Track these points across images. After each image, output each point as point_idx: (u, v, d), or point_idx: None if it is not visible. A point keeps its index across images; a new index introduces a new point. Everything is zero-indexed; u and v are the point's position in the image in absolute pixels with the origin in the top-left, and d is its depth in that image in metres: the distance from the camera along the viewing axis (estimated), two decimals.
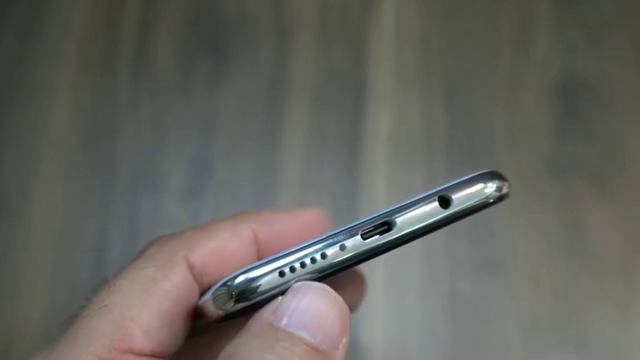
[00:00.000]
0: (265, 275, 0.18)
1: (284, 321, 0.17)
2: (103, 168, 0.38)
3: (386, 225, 0.18)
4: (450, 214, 0.19)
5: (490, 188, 0.19)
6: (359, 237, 0.18)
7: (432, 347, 0.34)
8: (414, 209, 0.19)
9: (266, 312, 0.18)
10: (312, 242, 0.18)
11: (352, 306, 0.28)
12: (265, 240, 0.22)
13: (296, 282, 0.18)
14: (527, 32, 0.40)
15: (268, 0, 0.41)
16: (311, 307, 0.17)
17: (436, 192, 0.19)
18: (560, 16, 0.40)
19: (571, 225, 0.36)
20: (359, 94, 0.39)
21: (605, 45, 0.40)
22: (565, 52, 0.40)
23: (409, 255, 0.36)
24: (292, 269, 0.18)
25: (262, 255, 0.22)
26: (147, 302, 0.19)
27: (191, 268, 0.21)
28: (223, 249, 0.21)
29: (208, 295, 0.18)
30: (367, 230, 0.18)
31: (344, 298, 0.27)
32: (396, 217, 0.18)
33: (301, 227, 0.23)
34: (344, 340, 0.18)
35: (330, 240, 0.18)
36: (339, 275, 0.25)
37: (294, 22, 0.40)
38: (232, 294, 0.18)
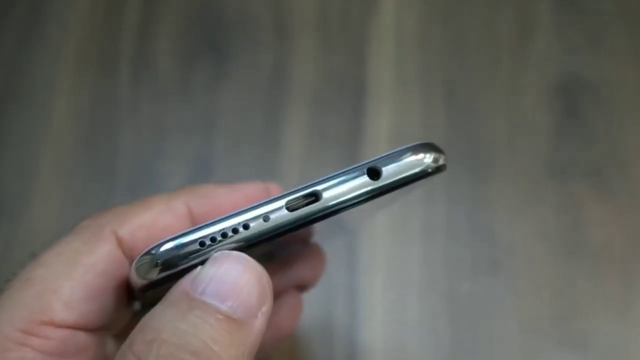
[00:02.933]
0: (186, 244, 0.17)
1: (199, 289, 0.17)
2: (103, 168, 0.38)
3: (313, 197, 0.18)
4: (379, 186, 0.18)
5: (427, 159, 0.18)
6: (284, 208, 0.18)
7: (432, 347, 0.34)
8: (342, 180, 0.18)
9: (184, 281, 0.17)
10: (237, 212, 0.18)
11: (310, 281, 0.27)
12: (200, 215, 0.22)
13: (216, 251, 0.18)
14: (527, 32, 0.40)
15: (268, 0, 0.41)
16: (227, 276, 0.17)
17: (366, 163, 0.18)
18: (560, 16, 0.40)
19: (571, 225, 0.36)
20: (359, 94, 0.39)
21: (605, 45, 0.40)
22: (565, 53, 0.40)
23: (408, 255, 0.36)
24: (213, 239, 0.18)
25: None
26: (69, 274, 0.19)
27: (120, 242, 0.20)
28: (154, 223, 0.21)
29: (133, 264, 0.18)
30: (293, 201, 0.18)
31: (301, 273, 0.27)
32: (323, 188, 0.18)
33: (241, 201, 0.22)
34: (264, 308, 0.17)
35: (255, 211, 0.18)
36: (294, 250, 0.24)
37: (294, 22, 0.40)
38: (155, 263, 0.18)
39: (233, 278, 0.17)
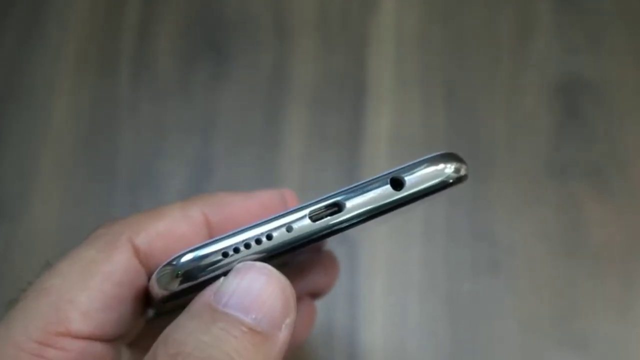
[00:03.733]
0: (208, 255, 0.17)
1: (223, 301, 0.17)
2: (103, 168, 0.38)
3: (336, 207, 0.18)
4: (402, 196, 0.18)
5: (448, 169, 0.18)
6: (307, 218, 0.18)
7: (432, 348, 0.34)
8: (365, 191, 0.18)
9: (207, 293, 0.17)
10: (260, 222, 0.18)
11: (324, 288, 0.27)
12: (217, 223, 0.21)
13: (239, 262, 0.17)
14: (527, 32, 0.40)
15: (268, 0, 0.41)
16: (251, 287, 0.17)
17: (389, 173, 0.18)
18: (560, 16, 0.40)
19: (571, 225, 0.36)
20: (359, 94, 0.39)
21: (605, 45, 0.40)
22: (565, 52, 0.40)
23: (408, 256, 0.36)
24: (236, 250, 0.17)
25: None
26: (86, 284, 0.19)
27: (136, 251, 0.20)
28: (170, 232, 0.21)
29: (153, 275, 0.18)
30: (315, 211, 0.18)
31: (315, 281, 0.26)
32: (346, 199, 0.18)
33: (257, 209, 0.22)
34: (287, 320, 0.17)
35: (278, 221, 0.18)
36: (308, 258, 0.24)
37: (294, 22, 0.40)
38: (176, 274, 0.17)
39: (257, 290, 0.17)
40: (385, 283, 0.35)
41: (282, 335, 0.17)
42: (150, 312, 0.23)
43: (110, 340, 0.20)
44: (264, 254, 0.18)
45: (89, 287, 0.19)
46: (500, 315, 0.35)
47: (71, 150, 0.38)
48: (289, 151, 0.38)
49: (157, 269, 0.18)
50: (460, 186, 0.18)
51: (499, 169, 0.38)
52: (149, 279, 0.20)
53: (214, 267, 0.17)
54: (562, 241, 0.36)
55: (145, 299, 0.21)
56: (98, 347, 0.19)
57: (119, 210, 0.37)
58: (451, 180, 0.18)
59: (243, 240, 0.17)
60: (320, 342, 0.34)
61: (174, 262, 0.18)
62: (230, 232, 0.18)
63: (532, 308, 0.35)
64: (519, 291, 0.35)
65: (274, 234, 0.17)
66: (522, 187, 0.37)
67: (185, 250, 0.18)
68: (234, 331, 0.16)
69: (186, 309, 0.17)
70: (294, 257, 0.21)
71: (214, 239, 0.18)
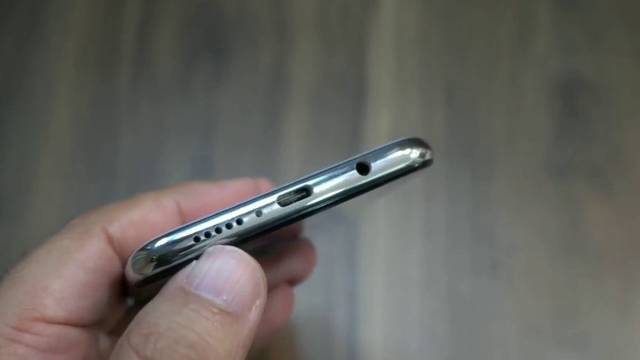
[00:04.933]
0: (181, 240, 0.18)
1: (195, 284, 0.17)
2: (103, 168, 0.38)
3: (304, 192, 0.18)
4: (368, 180, 0.19)
5: (414, 154, 0.19)
6: (275, 203, 0.18)
7: (432, 347, 0.34)
8: (332, 175, 0.19)
9: (179, 276, 0.18)
10: (230, 207, 0.18)
11: (302, 275, 0.28)
12: (189, 211, 0.22)
13: (210, 247, 0.18)
14: (527, 32, 0.40)
15: (268, 0, 0.41)
16: (222, 270, 0.17)
17: (355, 158, 0.19)
18: (560, 16, 0.40)
19: (571, 225, 0.36)
20: (359, 94, 0.39)
21: (605, 45, 0.40)
22: (565, 52, 0.40)
23: (408, 256, 0.36)
24: (208, 234, 0.18)
25: None
26: (60, 271, 0.20)
27: (110, 239, 0.21)
28: (143, 220, 0.21)
29: (128, 260, 0.19)
30: (284, 196, 0.18)
31: (292, 268, 0.27)
32: (314, 183, 0.18)
33: (230, 198, 0.22)
34: (257, 302, 0.18)
35: (248, 206, 0.18)
36: (285, 245, 0.25)
37: (294, 22, 0.40)
38: (150, 258, 0.18)
39: (227, 272, 0.17)
40: (385, 282, 0.35)
41: (252, 316, 0.18)
42: (130, 302, 0.23)
43: (85, 326, 0.20)
44: (235, 238, 0.18)
45: (63, 274, 0.20)
46: (500, 315, 0.35)
47: (71, 150, 0.38)
48: (289, 151, 0.38)
49: (132, 254, 0.18)
50: (426, 170, 0.19)
51: (499, 169, 0.38)
52: (124, 266, 0.20)
53: (186, 251, 0.18)
54: (562, 241, 0.36)
55: (122, 286, 0.21)
56: (73, 332, 0.20)
57: None
58: (416, 165, 0.19)
59: (214, 225, 0.18)
60: (320, 341, 0.34)
61: (148, 247, 0.18)
62: (202, 218, 0.18)
63: (532, 308, 0.35)
64: (519, 291, 0.35)
65: (244, 219, 0.18)
66: (522, 187, 0.37)
67: (159, 236, 0.18)
68: (205, 312, 0.17)
69: (159, 292, 0.18)
70: (269, 244, 0.21)
71: (186, 224, 0.18)
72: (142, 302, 0.22)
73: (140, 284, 0.19)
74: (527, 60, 0.40)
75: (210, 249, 0.18)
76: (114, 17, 0.40)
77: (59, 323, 0.20)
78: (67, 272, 0.20)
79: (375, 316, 0.35)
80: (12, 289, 0.19)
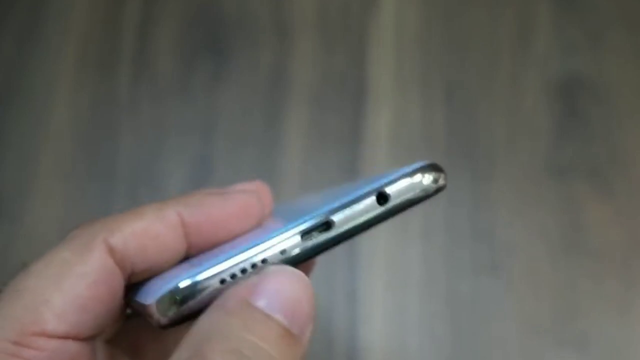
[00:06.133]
0: (205, 280, 0.18)
1: (261, 302, 0.17)
2: (103, 168, 0.38)
3: (325, 225, 0.19)
4: (387, 209, 0.19)
5: (427, 180, 0.19)
6: (298, 238, 0.18)
7: (432, 347, 0.34)
8: (352, 207, 0.19)
9: (241, 290, 0.18)
10: (252, 245, 0.18)
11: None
12: (193, 224, 0.22)
13: (271, 265, 0.18)
14: (527, 32, 0.40)
15: (268, 1, 0.41)
16: (287, 292, 0.18)
17: (374, 189, 0.19)
18: (560, 16, 0.40)
19: (571, 225, 0.36)
20: (359, 94, 0.39)
21: (605, 45, 0.40)
22: (565, 52, 0.40)
23: (408, 256, 0.36)
24: (233, 276, 0.18)
25: (191, 239, 0.21)
26: (60, 285, 0.19)
27: (111, 251, 0.20)
28: (146, 232, 0.21)
29: (151, 301, 0.18)
30: (306, 231, 0.19)
31: None
32: (334, 216, 0.19)
33: (233, 211, 0.22)
34: (310, 326, 0.18)
35: (270, 245, 0.18)
36: None
37: (294, 22, 0.40)
38: (174, 300, 0.18)
39: (292, 294, 0.18)
40: (385, 283, 0.35)
41: (305, 340, 0.18)
42: (129, 310, 0.23)
43: (85, 339, 0.20)
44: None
45: (63, 288, 0.19)
46: (500, 315, 0.35)
47: (71, 150, 0.38)
48: (289, 151, 0.38)
49: (155, 297, 0.18)
50: (440, 194, 0.20)
51: (499, 169, 0.38)
52: (126, 279, 0.20)
53: (212, 293, 0.18)
54: (562, 241, 0.36)
55: (123, 297, 0.21)
56: (73, 346, 0.20)
57: (119, 210, 0.36)
58: (432, 191, 0.20)
59: (239, 265, 0.18)
60: (320, 341, 0.34)
61: (172, 289, 0.18)
62: (224, 256, 0.18)
63: (532, 308, 0.35)
64: (519, 291, 0.35)
65: (269, 259, 0.18)
66: (522, 187, 0.37)
67: (183, 277, 0.18)
68: (271, 333, 0.17)
69: (217, 304, 0.18)
70: None
71: (207, 265, 0.18)
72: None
73: (165, 326, 0.18)
74: (527, 60, 0.40)
75: (275, 268, 0.18)
76: (114, 17, 0.40)
77: (59, 337, 0.19)
78: (67, 286, 0.19)
79: (375, 316, 0.35)
80: (11, 303, 0.19)
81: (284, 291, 0.18)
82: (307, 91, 0.39)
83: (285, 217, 0.20)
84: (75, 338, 0.20)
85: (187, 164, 0.38)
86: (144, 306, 0.19)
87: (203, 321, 0.17)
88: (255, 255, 0.18)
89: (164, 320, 0.18)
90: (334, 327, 0.34)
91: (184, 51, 0.40)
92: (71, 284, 0.20)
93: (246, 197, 0.23)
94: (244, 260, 0.18)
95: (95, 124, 0.38)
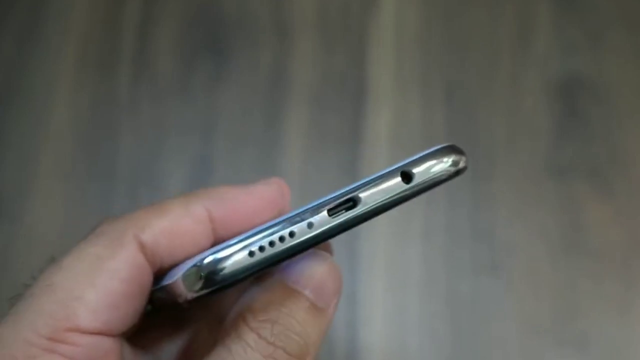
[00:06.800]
0: (234, 254, 0.18)
1: (292, 279, 0.20)
2: (103, 168, 0.38)
3: (351, 202, 0.19)
4: (412, 188, 0.19)
5: (451, 162, 0.20)
6: (325, 214, 0.19)
7: (432, 347, 0.34)
8: (378, 185, 0.19)
9: (278, 272, 0.20)
10: (279, 220, 0.19)
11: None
12: (220, 218, 0.22)
13: (266, 261, 0.18)
14: (527, 32, 0.40)
15: (268, 1, 0.41)
16: (314, 271, 0.20)
17: (398, 167, 0.19)
18: (560, 16, 0.40)
19: (571, 225, 0.36)
20: (359, 94, 0.39)
21: (605, 45, 0.40)
22: (565, 52, 0.40)
23: (408, 256, 0.36)
24: (262, 248, 0.18)
25: (217, 234, 0.22)
26: (93, 281, 0.19)
27: (142, 247, 0.20)
28: (175, 228, 0.21)
29: (178, 277, 0.18)
30: (333, 207, 0.19)
31: None
32: (360, 193, 0.19)
33: (258, 204, 0.23)
34: (335, 300, 0.20)
35: (298, 219, 0.19)
36: None
37: (294, 22, 0.40)
38: (200, 275, 0.18)
39: (319, 273, 0.20)
40: (385, 283, 0.35)
41: (331, 312, 0.20)
42: (148, 306, 0.23)
43: (116, 335, 0.20)
44: (288, 251, 0.19)
45: (96, 284, 0.19)
46: (500, 315, 0.35)
47: (71, 150, 0.38)
48: (289, 151, 0.38)
49: (183, 270, 0.18)
50: (461, 176, 0.21)
51: (499, 169, 0.38)
52: (156, 278, 0.20)
53: (242, 266, 0.18)
54: (562, 241, 0.36)
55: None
56: (107, 342, 0.20)
57: (119, 210, 0.37)
58: (454, 172, 0.20)
59: (267, 237, 0.18)
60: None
61: (198, 264, 0.18)
62: (252, 232, 0.19)
63: (532, 308, 0.35)
64: (519, 291, 0.35)
65: (296, 231, 0.19)
66: (522, 187, 0.37)
67: (211, 251, 0.18)
68: (302, 304, 0.19)
69: (259, 284, 0.20)
70: None
71: (237, 239, 0.18)
72: (159, 308, 0.22)
73: (190, 302, 0.19)
74: (527, 60, 0.40)
75: (309, 251, 0.19)
76: (114, 17, 0.40)
77: (92, 333, 0.19)
78: (100, 282, 0.19)
79: (375, 316, 0.35)
80: (42, 298, 0.19)
81: (311, 272, 0.20)
82: (307, 91, 0.39)
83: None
84: (108, 334, 0.20)
85: (187, 164, 0.38)
86: (170, 285, 0.19)
87: (245, 296, 0.20)
88: (284, 228, 0.18)
89: (191, 294, 0.18)
90: (334, 328, 0.34)
91: (184, 51, 0.40)
92: (103, 280, 0.20)
93: (270, 189, 0.23)
94: (273, 233, 0.18)
95: (95, 124, 0.38)
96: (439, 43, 0.40)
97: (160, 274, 0.21)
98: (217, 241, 0.21)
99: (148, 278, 0.21)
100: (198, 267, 0.18)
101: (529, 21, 0.40)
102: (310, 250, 0.19)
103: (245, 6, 0.41)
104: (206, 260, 0.18)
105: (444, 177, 0.20)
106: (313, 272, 0.20)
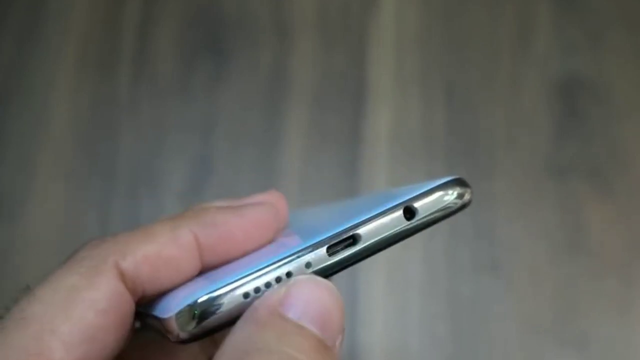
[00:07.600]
0: (227, 294, 0.17)
1: (293, 313, 0.17)
2: (103, 168, 0.38)
3: (351, 239, 0.18)
4: (414, 224, 0.19)
5: (452, 195, 0.19)
6: (324, 252, 0.18)
7: (432, 347, 0.34)
8: (379, 221, 0.18)
9: (271, 301, 0.17)
10: (277, 259, 0.18)
11: None
12: (208, 244, 0.21)
13: (299, 275, 0.18)
14: (527, 32, 0.40)
15: (268, 1, 0.41)
16: (317, 302, 0.17)
17: (401, 203, 0.19)
18: (560, 16, 0.40)
19: (571, 225, 0.36)
20: (359, 94, 0.39)
21: (605, 45, 0.40)
22: (565, 52, 0.40)
23: (409, 256, 0.36)
24: (257, 290, 0.18)
25: (205, 261, 0.20)
26: (68, 313, 0.18)
27: (122, 275, 0.19)
28: (159, 255, 0.20)
29: (171, 314, 0.18)
30: (332, 245, 0.18)
31: None
32: (361, 230, 0.18)
33: (249, 229, 0.21)
34: (341, 337, 0.18)
35: (296, 257, 0.18)
36: None
37: (294, 22, 0.40)
38: (193, 314, 0.17)
39: (323, 305, 0.18)
40: (385, 283, 0.35)
41: (336, 350, 0.18)
42: (137, 324, 0.22)
43: None
44: None
45: (72, 316, 0.18)
46: (501, 314, 0.35)
47: (71, 150, 0.38)
48: (289, 151, 0.38)
49: (176, 310, 0.18)
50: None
51: (499, 168, 0.38)
52: (136, 303, 0.20)
53: (236, 308, 0.17)
54: (562, 241, 0.36)
55: (132, 317, 0.20)
56: None
57: (119, 210, 0.37)
58: (458, 207, 0.19)
59: (263, 277, 0.18)
60: None
61: (192, 303, 0.17)
62: (248, 271, 0.18)
63: (532, 308, 0.35)
64: (519, 291, 0.35)
65: (294, 272, 0.18)
66: (522, 187, 0.37)
67: (207, 291, 0.18)
68: (306, 344, 0.17)
69: (247, 316, 0.17)
70: None
71: (231, 279, 0.18)
72: (147, 326, 0.21)
73: (184, 341, 0.18)
74: (527, 60, 0.40)
75: (303, 277, 0.18)
76: (114, 17, 0.40)
77: None
78: (75, 314, 0.18)
79: (376, 316, 0.35)
80: (15, 332, 0.18)
81: (313, 301, 0.17)
82: (307, 91, 0.39)
83: (300, 230, 0.20)
84: None
85: (187, 164, 0.38)
86: (161, 320, 0.18)
87: (237, 335, 0.17)
88: (280, 268, 0.18)
89: (183, 334, 0.18)
90: None
91: (184, 51, 0.40)
92: (80, 312, 0.18)
93: (262, 211, 0.22)
94: (269, 273, 0.18)
95: (95, 124, 0.38)
96: (439, 43, 0.40)
97: (143, 301, 0.20)
98: (205, 268, 0.20)
99: (129, 307, 0.20)
100: (191, 306, 0.17)
101: (529, 21, 0.40)
102: (308, 277, 0.18)
103: (245, 6, 0.41)
104: (200, 300, 0.17)
105: (448, 213, 0.19)
106: (315, 302, 0.18)
